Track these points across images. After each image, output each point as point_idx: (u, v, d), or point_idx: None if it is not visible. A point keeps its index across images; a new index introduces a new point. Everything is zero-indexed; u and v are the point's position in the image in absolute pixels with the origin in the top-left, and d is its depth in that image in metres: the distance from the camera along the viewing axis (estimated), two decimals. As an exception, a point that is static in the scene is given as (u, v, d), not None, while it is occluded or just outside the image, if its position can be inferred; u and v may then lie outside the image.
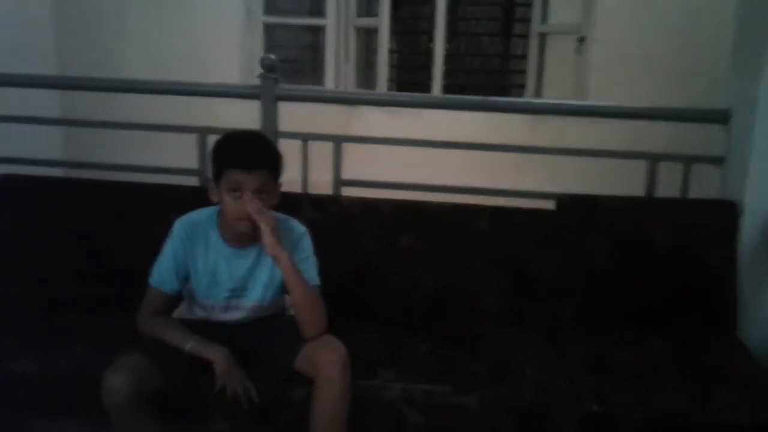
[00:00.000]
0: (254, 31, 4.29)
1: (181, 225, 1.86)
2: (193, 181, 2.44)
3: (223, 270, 1.85)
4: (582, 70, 4.04)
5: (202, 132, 2.44)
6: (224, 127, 2.26)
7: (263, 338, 1.87)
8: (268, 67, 2.35)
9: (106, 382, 1.60)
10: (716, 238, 2.19)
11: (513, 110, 3.10)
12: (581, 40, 4.05)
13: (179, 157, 2.44)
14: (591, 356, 2.02)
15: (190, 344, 1.74)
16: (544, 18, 4.38)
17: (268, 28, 4.41)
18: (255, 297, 1.88)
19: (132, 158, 2.52)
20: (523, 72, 4.64)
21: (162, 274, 1.84)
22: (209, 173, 1.86)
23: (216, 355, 1.73)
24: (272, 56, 2.35)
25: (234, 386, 1.71)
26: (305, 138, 2.44)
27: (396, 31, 4.95)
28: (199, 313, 1.91)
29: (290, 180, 2.26)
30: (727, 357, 2.02)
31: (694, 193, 2.39)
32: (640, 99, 2.49)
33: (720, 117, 2.36)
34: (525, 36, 4.76)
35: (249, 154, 1.76)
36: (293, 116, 2.49)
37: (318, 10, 4.46)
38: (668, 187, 2.40)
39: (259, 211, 1.71)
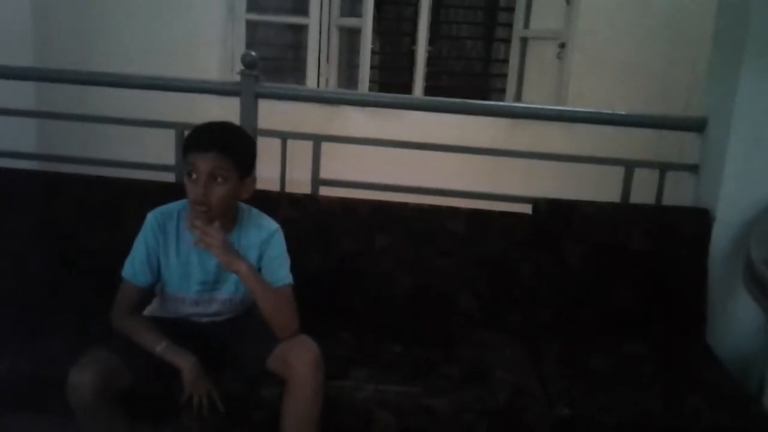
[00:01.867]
0: (236, 28, 4.27)
1: (153, 217, 1.83)
2: (170, 177, 2.42)
3: (194, 262, 1.82)
4: (562, 76, 4.07)
5: (180, 128, 2.42)
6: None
7: (235, 337, 1.85)
8: (249, 64, 2.34)
9: (71, 378, 1.58)
10: (689, 245, 2.22)
11: (493, 114, 3.12)
12: (562, 46, 4.09)
13: (157, 152, 2.42)
14: (564, 360, 2.03)
15: (160, 348, 1.71)
16: (527, 23, 4.42)
17: (251, 26, 4.40)
18: (227, 290, 1.86)
19: (109, 153, 2.49)
20: (504, 76, 4.68)
21: (135, 266, 1.81)
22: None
23: (185, 364, 1.70)
24: (253, 53, 2.34)
25: (200, 395, 1.70)
26: (285, 136, 2.43)
27: (379, 31, 4.96)
28: (171, 309, 1.89)
29: (268, 178, 2.25)
30: (697, 363, 2.05)
31: (669, 199, 2.42)
32: (618, 106, 2.52)
33: (696, 125, 2.39)
34: (507, 40, 4.80)
35: (207, 135, 1.74)
36: (273, 114, 2.48)
37: (301, 9, 4.45)
38: (643, 193, 2.43)
39: (204, 233, 1.68)
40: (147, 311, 1.90)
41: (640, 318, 2.20)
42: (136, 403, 1.68)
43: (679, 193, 2.45)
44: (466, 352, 2.01)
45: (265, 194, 1.90)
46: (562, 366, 2.00)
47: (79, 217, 2.23)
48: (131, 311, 1.82)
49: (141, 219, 1.85)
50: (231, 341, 1.85)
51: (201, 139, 1.73)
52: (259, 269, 1.81)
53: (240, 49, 4.17)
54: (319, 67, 4.46)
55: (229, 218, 1.80)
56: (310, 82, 4.42)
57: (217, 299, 1.87)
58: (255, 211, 1.87)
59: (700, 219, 2.24)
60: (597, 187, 2.48)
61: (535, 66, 4.43)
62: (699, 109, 2.41)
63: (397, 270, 2.22)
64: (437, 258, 2.23)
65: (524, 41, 4.44)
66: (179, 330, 1.80)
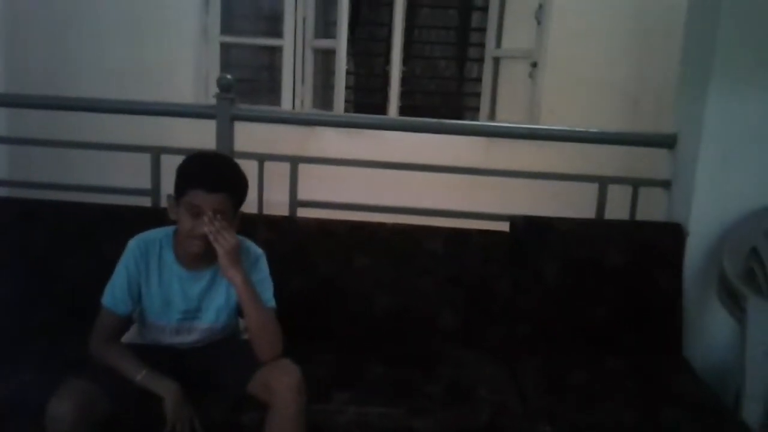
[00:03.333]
0: (210, 50, 4.27)
1: (135, 244, 1.82)
2: (146, 201, 2.40)
3: (176, 291, 1.82)
4: (534, 94, 4.13)
5: (156, 152, 2.41)
6: (179, 147, 2.25)
7: (215, 361, 1.84)
8: (224, 87, 2.34)
9: (50, 409, 1.55)
10: (663, 259, 2.25)
11: (468, 133, 3.15)
12: (534, 65, 4.14)
13: (132, 177, 2.40)
14: (545, 376, 2.04)
15: (141, 377, 1.70)
16: (498, 43, 4.47)
17: (225, 48, 4.39)
18: (208, 319, 1.85)
19: (83, 179, 2.47)
20: (477, 95, 4.72)
21: (115, 294, 1.79)
22: (164, 193, 1.84)
23: (166, 392, 1.69)
24: (228, 76, 2.35)
25: (182, 423, 1.67)
26: (261, 158, 2.43)
27: (353, 52, 4.99)
28: (150, 337, 1.87)
29: (246, 201, 2.24)
30: (674, 376, 2.07)
31: (643, 215, 2.46)
32: (590, 123, 2.56)
33: (667, 142, 2.44)
34: (480, 60, 4.85)
35: (213, 175, 1.74)
36: (249, 137, 2.48)
37: (275, 31, 4.46)
38: (618, 209, 2.46)
39: (218, 232, 1.69)
40: (125, 338, 1.87)
41: (617, 332, 2.23)
42: (117, 429, 1.65)
43: (653, 208, 2.49)
44: (447, 372, 2.01)
45: (242, 217, 1.89)
46: (542, 382, 2.01)
47: (54, 244, 2.21)
48: (111, 339, 1.80)
49: (116, 244, 1.83)
50: (211, 365, 1.83)
51: (207, 179, 1.72)
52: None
53: (214, 71, 4.17)
54: (294, 89, 4.47)
55: None
56: (285, 103, 4.43)
57: (198, 328, 1.86)
58: (240, 237, 1.86)
59: (674, 234, 2.28)
60: (572, 203, 2.51)
61: (508, 85, 4.48)
62: (669, 125, 2.46)
63: (377, 290, 2.22)
64: (416, 277, 2.24)
65: (496, 60, 4.49)
66: (159, 356, 1.78)
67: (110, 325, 1.80)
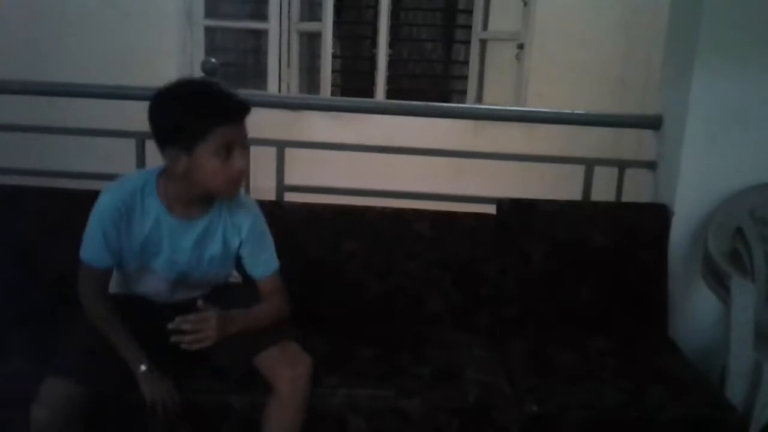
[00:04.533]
0: (195, 34, 4.23)
1: (110, 202, 1.63)
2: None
3: (165, 243, 1.68)
4: (521, 76, 4.13)
5: (141, 136, 2.39)
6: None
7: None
8: (208, 71, 2.32)
9: (33, 415, 1.54)
10: (649, 240, 2.27)
11: (456, 116, 3.14)
12: (520, 47, 4.14)
13: (116, 163, 2.38)
14: (532, 357, 2.06)
15: (143, 370, 1.63)
16: (485, 25, 4.46)
17: (210, 32, 4.36)
18: (201, 271, 1.74)
19: (67, 165, 2.44)
20: (464, 78, 4.72)
21: (93, 250, 1.66)
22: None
23: (137, 369, 1.63)
24: (213, 60, 2.33)
25: (162, 398, 1.62)
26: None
27: (339, 36, 4.96)
28: (138, 290, 1.78)
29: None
30: (660, 355, 2.10)
31: (629, 196, 2.47)
32: (576, 104, 2.56)
33: (652, 123, 2.45)
34: (466, 42, 4.84)
35: (232, 103, 1.56)
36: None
37: (260, 14, 4.43)
38: (604, 190, 2.48)
39: (196, 334, 1.57)
40: (113, 287, 1.78)
41: (603, 313, 2.25)
42: (100, 417, 1.65)
43: (640, 189, 2.50)
44: (435, 354, 2.02)
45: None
46: (530, 363, 2.02)
47: (39, 230, 2.18)
48: (99, 293, 1.70)
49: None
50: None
51: (231, 109, 1.55)
52: (239, 251, 1.75)
53: (199, 55, 4.13)
54: (280, 72, 4.44)
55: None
56: (271, 87, 4.40)
57: (188, 283, 1.76)
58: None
59: (659, 214, 2.29)
60: (559, 185, 2.53)
61: (495, 67, 4.48)
62: (655, 106, 2.47)
63: (365, 274, 2.22)
64: (404, 261, 2.24)
65: (483, 43, 4.49)
66: (153, 317, 1.67)
67: (95, 277, 1.69)
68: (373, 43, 4.69)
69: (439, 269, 2.25)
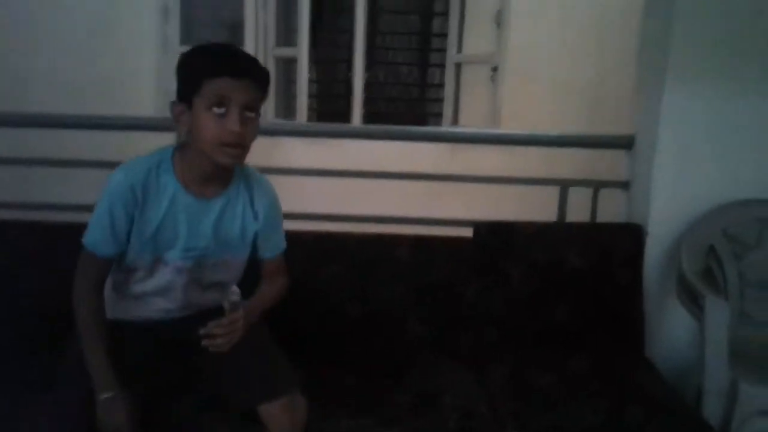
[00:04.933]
0: (171, 61, 4.22)
1: (125, 181, 1.55)
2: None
3: (181, 226, 1.60)
4: (496, 98, 4.18)
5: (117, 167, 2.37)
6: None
7: (228, 367, 1.67)
8: (184, 101, 2.32)
9: None
10: (624, 260, 2.29)
11: (432, 139, 3.17)
12: (495, 69, 4.19)
13: (94, 194, 2.37)
14: (512, 380, 2.07)
15: (104, 397, 1.52)
16: (460, 48, 4.51)
17: (186, 58, 4.36)
18: (217, 257, 1.67)
19: (42, 196, 2.42)
20: (440, 101, 4.77)
21: (98, 236, 1.57)
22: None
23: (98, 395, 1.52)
24: (188, 89, 2.32)
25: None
26: (224, 171, 2.41)
27: (316, 60, 4.98)
28: (142, 308, 1.69)
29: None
30: (637, 375, 2.11)
31: (604, 215, 2.50)
32: (550, 125, 2.60)
33: (624, 143, 2.49)
34: (441, 66, 4.89)
35: (237, 57, 1.50)
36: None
37: (237, 40, 4.45)
38: (580, 210, 2.50)
39: (225, 335, 1.57)
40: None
41: (580, 334, 2.26)
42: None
43: (615, 209, 2.53)
44: (415, 379, 2.02)
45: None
46: (510, 386, 2.03)
47: (15, 264, 2.16)
48: (94, 287, 1.61)
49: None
50: (223, 371, 1.67)
51: (230, 61, 1.48)
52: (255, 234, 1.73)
53: (175, 82, 4.13)
54: (257, 98, 4.45)
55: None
56: (248, 112, 4.40)
57: (205, 271, 1.68)
58: (250, 168, 1.73)
59: (634, 234, 2.32)
60: (535, 207, 2.55)
61: (470, 89, 4.53)
62: (627, 126, 2.51)
63: (344, 300, 2.22)
64: (383, 286, 2.24)
65: (458, 66, 4.54)
66: (152, 341, 1.65)
67: (95, 267, 1.60)
68: (349, 67, 4.72)
69: (418, 294, 2.25)
